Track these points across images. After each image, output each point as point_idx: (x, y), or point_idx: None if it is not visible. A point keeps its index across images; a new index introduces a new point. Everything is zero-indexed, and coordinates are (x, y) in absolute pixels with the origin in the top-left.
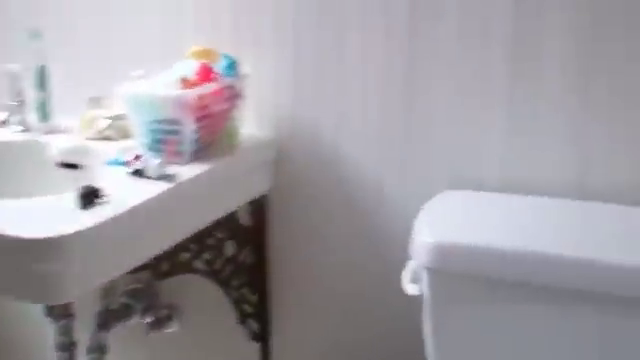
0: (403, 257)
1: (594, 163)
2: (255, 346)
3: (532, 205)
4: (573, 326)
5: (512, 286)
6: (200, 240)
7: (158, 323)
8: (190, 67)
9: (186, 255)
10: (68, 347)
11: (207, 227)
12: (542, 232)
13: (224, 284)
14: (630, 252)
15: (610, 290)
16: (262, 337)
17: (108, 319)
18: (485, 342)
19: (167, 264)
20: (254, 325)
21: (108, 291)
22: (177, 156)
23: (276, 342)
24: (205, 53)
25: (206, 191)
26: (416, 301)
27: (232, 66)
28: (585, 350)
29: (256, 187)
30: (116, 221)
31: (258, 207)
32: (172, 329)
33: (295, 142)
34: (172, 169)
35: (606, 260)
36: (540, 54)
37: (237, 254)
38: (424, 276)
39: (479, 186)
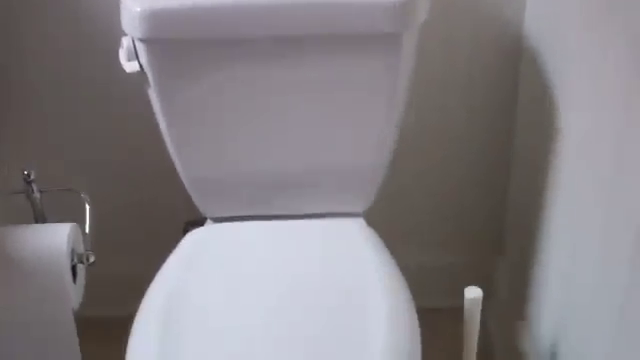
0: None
1: None
2: None
3: None
4: (301, 72)
5: (229, 43)
6: None
7: None
8: None
9: None
10: None
11: None
12: None
13: None
14: None
15: (331, 30)
16: None
17: None
18: (212, 105)
19: None
20: None
21: None
22: None
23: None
24: None
25: None
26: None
27: None
28: (308, 99)
29: None
30: None
31: None
32: None
33: None
34: None
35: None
36: None
37: None
38: (140, 49)
39: None
